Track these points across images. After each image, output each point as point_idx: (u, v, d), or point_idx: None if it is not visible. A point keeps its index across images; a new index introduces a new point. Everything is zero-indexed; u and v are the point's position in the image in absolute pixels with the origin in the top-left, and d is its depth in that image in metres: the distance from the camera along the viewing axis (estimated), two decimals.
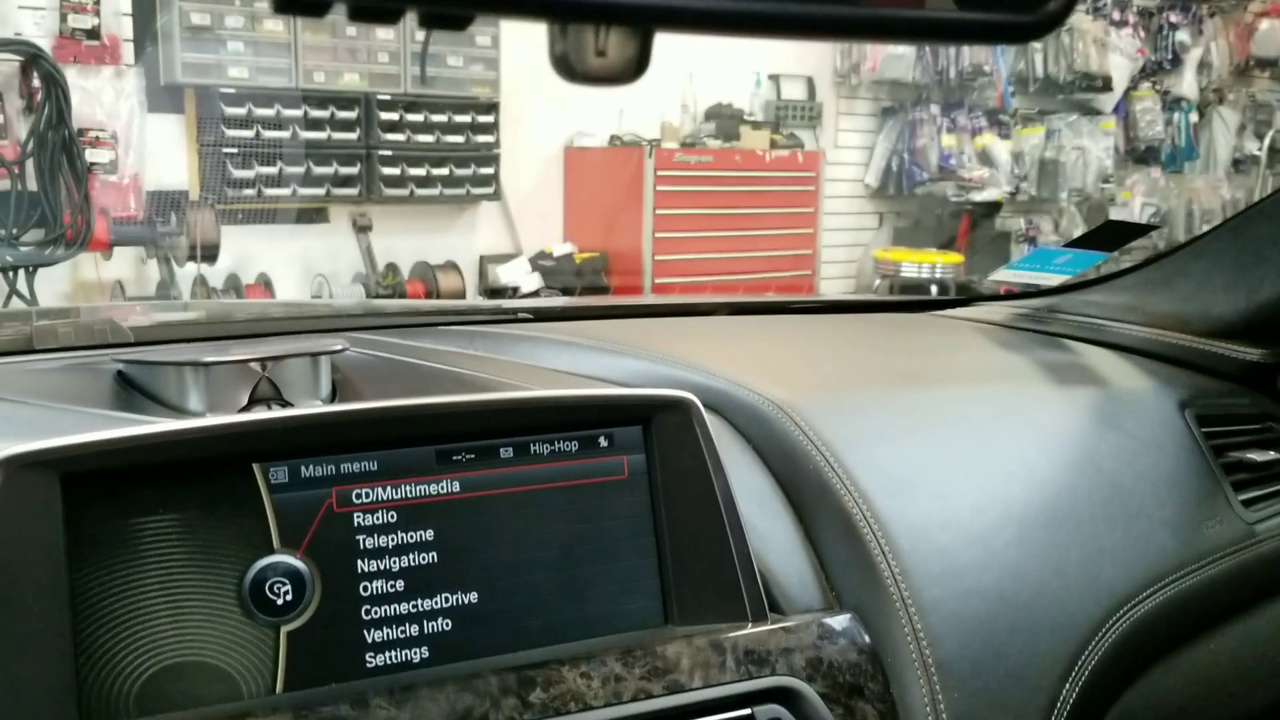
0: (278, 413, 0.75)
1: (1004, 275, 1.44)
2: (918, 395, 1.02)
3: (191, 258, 4.82)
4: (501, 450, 0.77)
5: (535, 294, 5.68)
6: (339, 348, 0.91)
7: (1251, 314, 1.17)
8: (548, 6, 0.42)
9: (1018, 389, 1.09)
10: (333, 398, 0.93)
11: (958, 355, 1.20)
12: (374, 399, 0.91)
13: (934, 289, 5.88)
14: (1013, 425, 1.00)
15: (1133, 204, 7.00)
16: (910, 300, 1.52)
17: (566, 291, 5.63)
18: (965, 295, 1.46)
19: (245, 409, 0.88)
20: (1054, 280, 1.37)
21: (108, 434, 0.66)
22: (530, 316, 1.27)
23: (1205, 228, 6.98)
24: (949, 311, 1.38)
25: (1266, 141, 7.56)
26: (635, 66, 0.45)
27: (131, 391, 0.91)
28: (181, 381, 0.87)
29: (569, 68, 0.44)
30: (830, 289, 6.35)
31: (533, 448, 0.78)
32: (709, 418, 0.82)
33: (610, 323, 1.26)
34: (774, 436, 0.90)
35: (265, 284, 5.07)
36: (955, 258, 6.00)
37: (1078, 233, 6.77)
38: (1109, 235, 1.35)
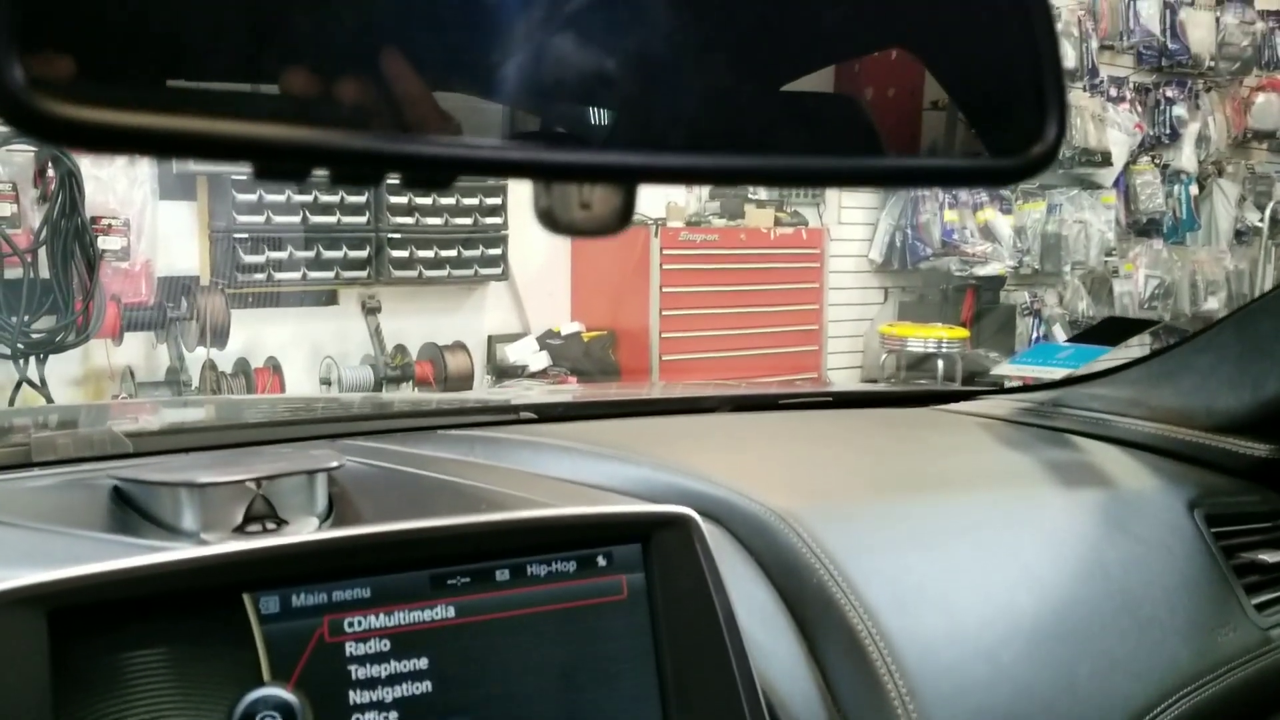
0: (269, 540, 0.74)
1: (1007, 370, 1.44)
2: (922, 502, 1.01)
3: (201, 342, 4.86)
4: (498, 573, 0.76)
5: (543, 372, 5.69)
6: (334, 464, 0.90)
7: (1258, 409, 1.16)
8: (531, 168, 0.42)
9: (1023, 493, 1.08)
10: (328, 514, 0.92)
11: (962, 456, 1.19)
12: (370, 516, 0.90)
13: (940, 364, 5.87)
14: (1019, 532, 0.98)
15: (1136, 276, 7.02)
16: (913, 393, 1.51)
17: (575, 370, 5.64)
18: (969, 388, 1.45)
19: (239, 528, 0.88)
20: (1057, 375, 1.36)
21: (94, 568, 0.65)
22: (533, 417, 1.26)
23: (1210, 299, 7.01)
24: (952, 406, 1.37)
25: (1267, 212, 7.60)
26: (620, 217, 0.45)
27: (127, 510, 0.90)
28: (176, 501, 0.87)
29: (553, 221, 0.44)
30: (837, 364, 6.35)
31: (530, 569, 0.77)
32: (710, 529, 0.81)
33: (613, 423, 1.25)
34: (776, 548, 0.89)
35: (274, 368, 5.09)
36: (961, 332, 6.00)
37: (1082, 305, 6.79)
38: (1109, 331, 1.34)
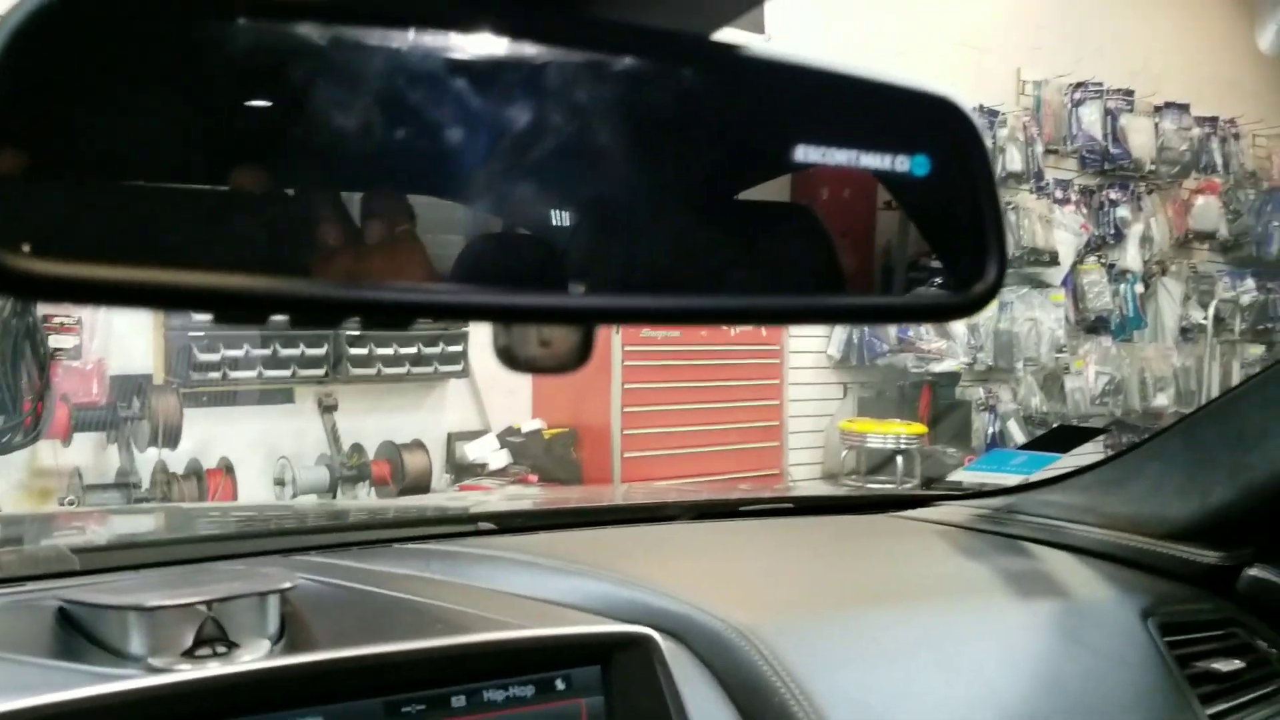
0: (219, 669, 0.73)
1: (963, 476, 1.45)
2: (883, 615, 1.01)
3: (153, 442, 4.78)
4: (453, 699, 0.75)
5: (504, 471, 5.64)
6: (287, 585, 0.89)
7: (1207, 517, 1.17)
8: (490, 311, 0.42)
9: (982, 604, 1.08)
10: (280, 636, 0.91)
11: (921, 566, 1.19)
12: (324, 639, 0.89)
13: (899, 460, 5.90)
14: (979, 646, 0.98)
15: (1087, 372, 7.15)
16: (872, 499, 1.52)
17: (536, 468, 5.60)
18: (927, 492, 1.46)
19: (189, 652, 0.86)
20: (1011, 481, 1.38)
21: (37, 701, 0.63)
22: (492, 527, 1.26)
23: (1159, 395, 7.13)
24: (911, 513, 1.38)
25: (1211, 310, 7.80)
26: (579, 354, 0.46)
27: (73, 634, 0.88)
28: (124, 625, 0.85)
29: (512, 358, 0.45)
30: (799, 460, 6.36)
31: (486, 694, 0.76)
32: (671, 647, 0.81)
33: (573, 534, 1.24)
34: (738, 666, 0.88)
35: (227, 469, 5.01)
36: (919, 428, 6.05)
37: (1035, 401, 6.88)
38: (1062, 438, 1.37)
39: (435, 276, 0.43)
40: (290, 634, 0.91)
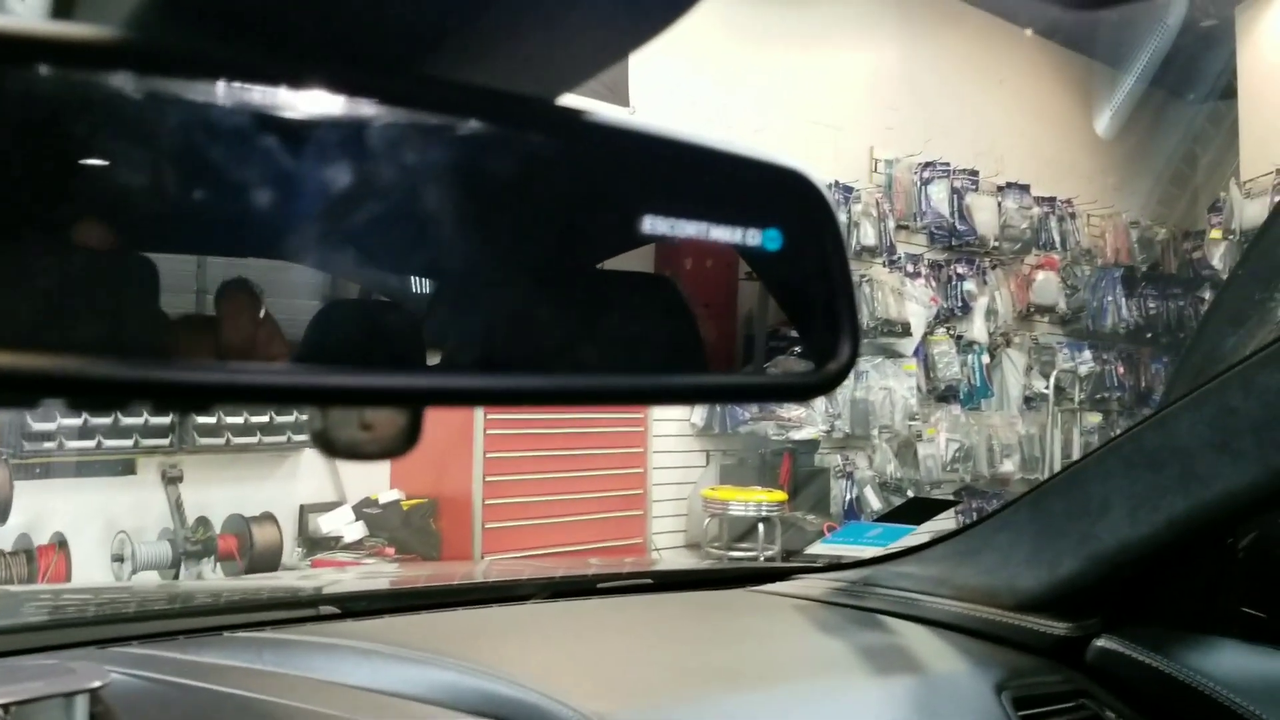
0: None
1: (821, 549, 1.45)
2: (738, 697, 0.98)
3: None
4: None
5: (359, 543, 5.46)
6: (96, 684, 0.81)
7: (1055, 587, 1.19)
8: (305, 393, 0.39)
9: (837, 682, 1.07)
10: None
11: (778, 643, 1.17)
12: None
13: (761, 527, 5.95)
14: None
15: (938, 440, 7.38)
16: (730, 573, 1.51)
17: (393, 541, 5.44)
18: (785, 565, 1.45)
19: None
20: (867, 553, 1.38)
21: None
22: (335, 611, 1.19)
23: (1006, 461, 7.40)
24: (768, 587, 1.37)
25: (1052, 380, 8.18)
26: (406, 438, 0.42)
27: None
28: None
29: (329, 444, 0.40)
30: (662, 528, 6.35)
31: None
32: None
33: (422, 617, 1.18)
34: None
35: (60, 544, 4.71)
36: (779, 495, 6.12)
37: (890, 468, 7.05)
38: (915, 510, 1.38)
39: (244, 356, 0.39)
40: None
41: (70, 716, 0.82)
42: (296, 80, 0.39)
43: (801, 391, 0.47)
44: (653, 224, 0.46)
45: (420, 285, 0.46)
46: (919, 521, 1.39)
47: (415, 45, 0.43)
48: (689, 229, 0.47)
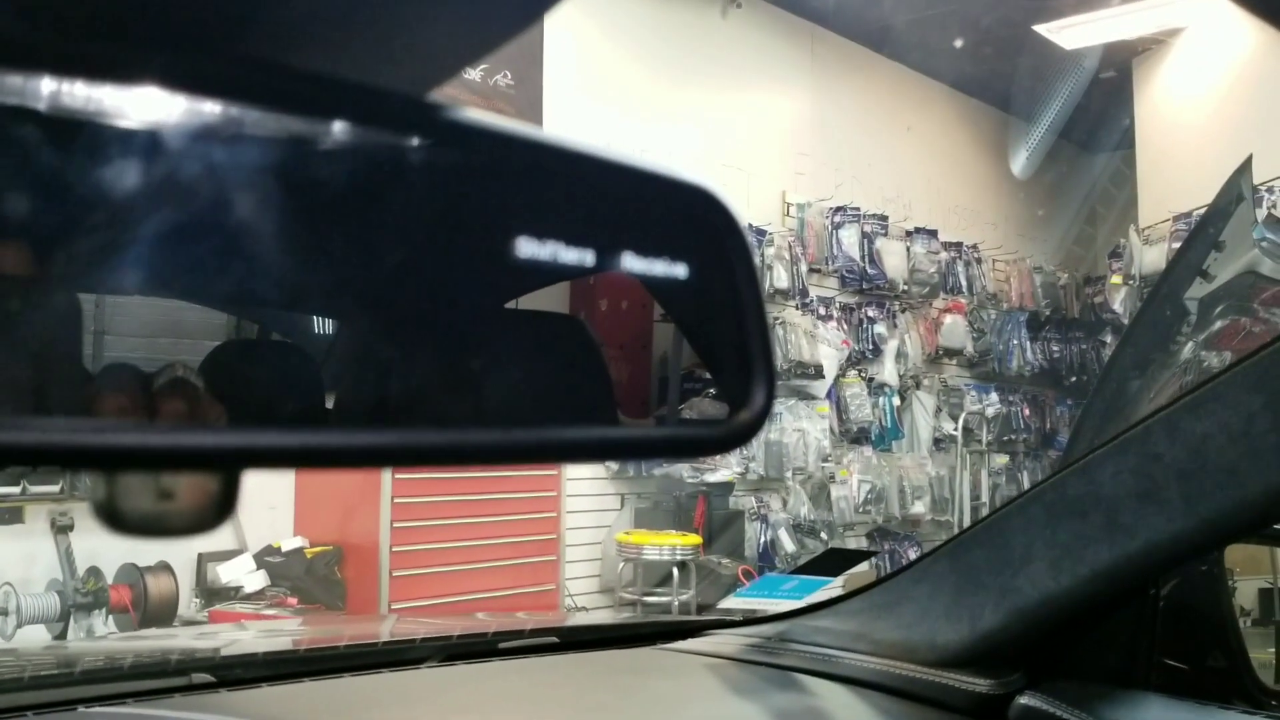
0: None
1: (734, 604, 1.39)
2: None
3: None
4: None
5: (260, 593, 5.26)
6: None
7: (976, 642, 1.14)
8: (83, 455, 0.31)
9: None
10: None
11: (687, 710, 1.10)
12: None
13: (676, 571, 5.88)
14: None
15: (851, 480, 7.41)
16: (640, 629, 1.43)
17: (296, 590, 5.25)
18: (696, 619, 1.39)
19: None
20: (782, 607, 1.32)
21: None
22: (209, 679, 1.08)
23: (917, 502, 7.47)
24: (679, 644, 1.30)
25: (960, 422, 8.30)
26: (219, 507, 0.34)
27: None
28: None
29: (117, 518, 0.33)
30: (575, 573, 6.24)
31: None
32: None
33: (303, 686, 1.08)
34: None
35: None
36: (694, 539, 6.06)
37: (804, 509, 7.05)
38: (831, 561, 1.33)
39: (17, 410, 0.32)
40: None
41: None
42: (145, 75, 0.32)
43: (711, 445, 0.41)
44: (540, 249, 0.39)
45: (320, 326, 0.39)
46: (836, 573, 1.34)
47: (261, 32, 0.36)
48: (582, 256, 0.40)
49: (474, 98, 5.83)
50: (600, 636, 1.36)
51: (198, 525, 0.33)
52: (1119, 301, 8.59)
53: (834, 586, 1.38)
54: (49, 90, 0.30)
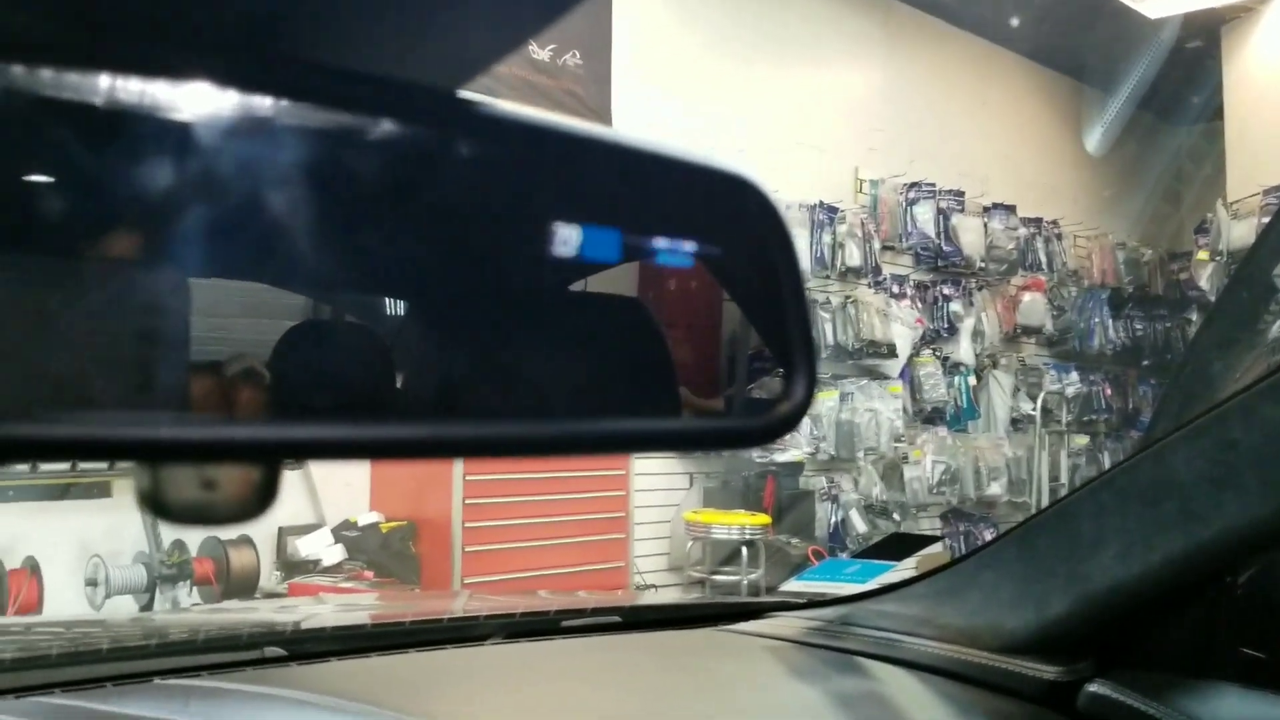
0: None
1: (796, 587, 1.39)
2: None
3: None
4: None
5: (338, 567, 5.37)
6: None
7: (1042, 630, 1.12)
8: (131, 448, 0.32)
9: None
10: None
11: (748, 691, 1.10)
12: None
13: (744, 550, 5.88)
14: None
15: (925, 462, 7.32)
16: (702, 610, 1.44)
17: (372, 564, 5.35)
18: (759, 600, 1.38)
19: None
20: (845, 590, 1.31)
21: None
22: (281, 654, 1.11)
23: (993, 484, 7.36)
24: (740, 626, 1.30)
25: (1039, 402, 8.14)
26: (262, 495, 0.35)
27: None
28: None
29: (162, 507, 0.33)
30: (644, 551, 6.27)
31: None
32: None
33: (370, 661, 1.11)
34: None
35: (32, 569, 4.62)
36: (763, 519, 6.05)
37: (876, 490, 6.99)
38: (895, 546, 1.31)
39: (60, 405, 0.32)
40: None
41: None
42: (218, 77, 0.33)
43: (753, 437, 0.40)
44: (585, 240, 0.39)
45: (391, 307, 0.40)
46: (899, 558, 1.32)
47: (299, 32, 0.37)
48: (623, 246, 0.40)
49: (542, 77, 5.84)
50: (662, 617, 1.36)
51: (242, 514, 0.33)
52: (1205, 278, 8.34)
53: (905, 568, 1.37)
54: (132, 91, 0.31)
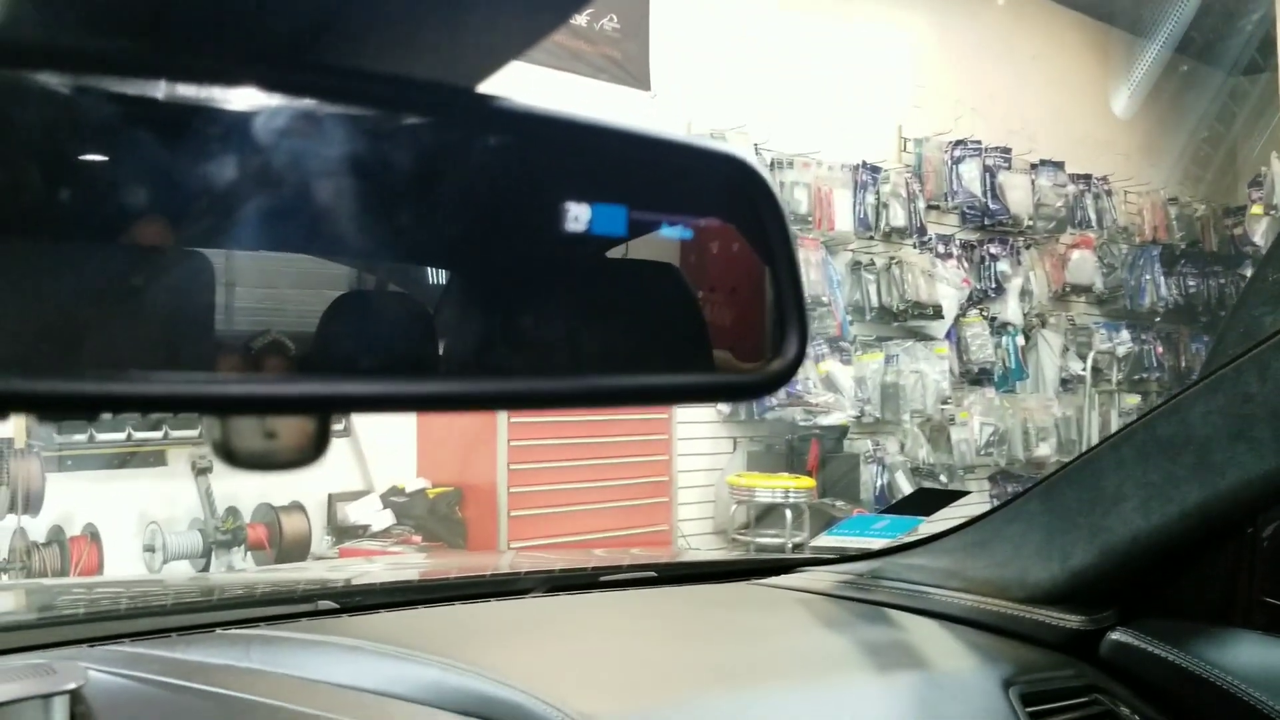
0: None
1: (826, 542, 1.42)
2: (733, 697, 0.95)
3: (13, 509, 4.53)
4: None
5: (386, 532, 5.49)
6: (72, 685, 0.80)
7: (1068, 580, 1.15)
8: (204, 402, 0.36)
9: (838, 680, 1.04)
10: None
11: (778, 640, 1.15)
12: None
13: (788, 513, 5.91)
14: None
15: (972, 423, 7.29)
16: (735, 566, 1.48)
17: (420, 529, 5.46)
18: (791, 557, 1.42)
19: None
20: (875, 545, 1.35)
21: None
22: (333, 607, 1.17)
23: (1041, 445, 7.30)
24: (772, 580, 1.34)
25: (1089, 362, 8.05)
26: (316, 445, 0.39)
27: None
28: None
29: (231, 455, 0.38)
30: (688, 515, 6.33)
31: None
32: None
33: (416, 613, 1.16)
34: None
35: (92, 535, 4.77)
36: (807, 482, 6.07)
37: (922, 453, 6.98)
38: (922, 501, 1.34)
39: (142, 365, 0.37)
40: None
41: (49, 716, 0.81)
42: (223, 78, 0.37)
43: (749, 390, 0.44)
44: (577, 213, 0.43)
45: (434, 277, 0.45)
46: (927, 512, 1.36)
47: (319, 36, 0.41)
48: (630, 221, 0.44)
49: (579, 43, 5.84)
50: (696, 572, 1.41)
51: (299, 460, 0.38)
52: (1260, 233, 8.19)
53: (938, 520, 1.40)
54: (203, 98, 0.36)
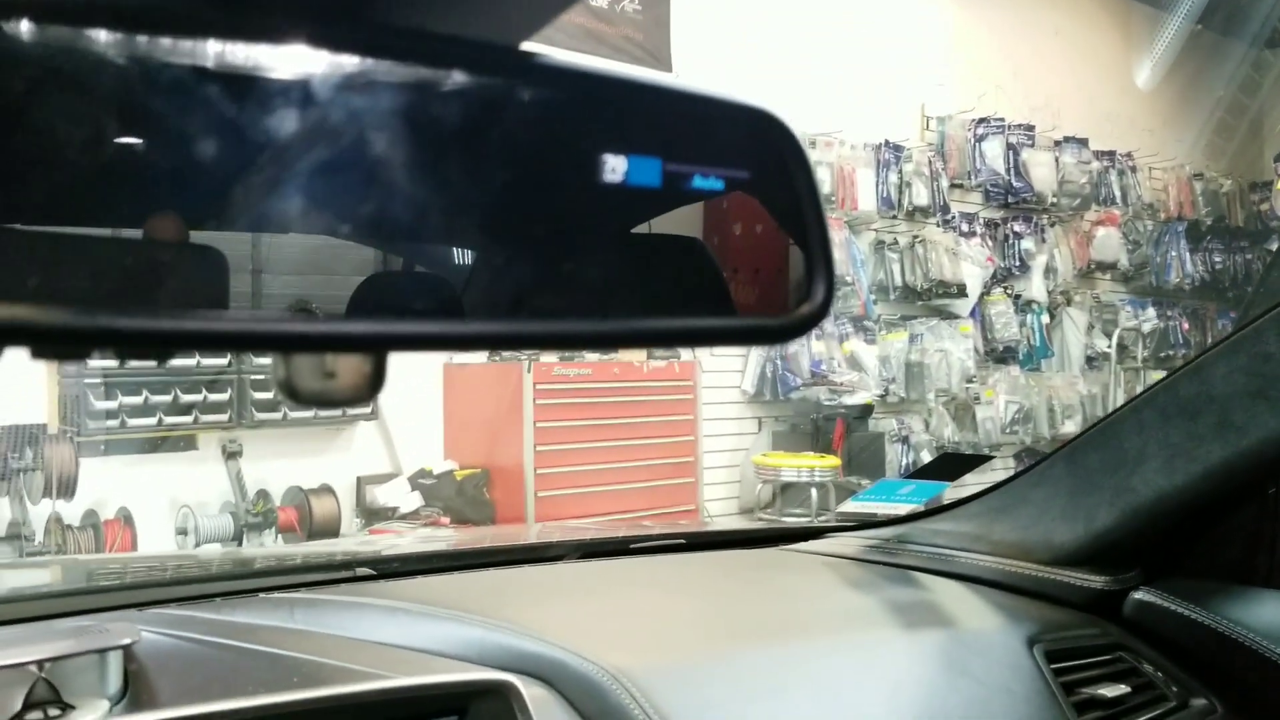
0: None
1: (852, 508, 1.44)
2: (763, 652, 0.98)
3: (47, 494, 4.60)
4: None
5: (415, 514, 5.54)
6: (126, 641, 0.83)
7: (1092, 541, 1.17)
8: (270, 340, 0.39)
9: (867, 638, 1.06)
10: (123, 695, 0.85)
11: (806, 601, 1.17)
12: (169, 697, 0.83)
13: (813, 492, 5.93)
14: (861, 680, 0.96)
15: (997, 402, 7.27)
16: (763, 533, 1.50)
17: (448, 510, 5.51)
18: (818, 524, 1.45)
19: (18, 716, 0.80)
20: (900, 510, 1.37)
21: None
22: (370, 573, 1.20)
23: (1067, 422, 7.27)
24: (800, 545, 1.36)
25: (1115, 339, 8.01)
26: (371, 385, 0.42)
27: None
28: None
29: (294, 392, 0.41)
30: (714, 495, 6.36)
31: None
32: (539, 693, 0.77)
33: (454, 577, 1.20)
34: (608, 710, 0.85)
35: (125, 519, 4.84)
36: (833, 461, 6.09)
37: (947, 431, 6.97)
38: (947, 466, 1.36)
39: (210, 304, 0.40)
40: (133, 693, 0.85)
41: (104, 673, 0.84)
42: (276, 35, 0.39)
43: (776, 334, 0.47)
44: (613, 165, 0.45)
45: (459, 256, 0.47)
46: (952, 477, 1.37)
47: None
48: (667, 172, 0.46)
49: (600, 24, 5.84)
50: (725, 539, 1.43)
51: (355, 399, 0.41)
52: None
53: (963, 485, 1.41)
54: (212, 53, 0.38)
